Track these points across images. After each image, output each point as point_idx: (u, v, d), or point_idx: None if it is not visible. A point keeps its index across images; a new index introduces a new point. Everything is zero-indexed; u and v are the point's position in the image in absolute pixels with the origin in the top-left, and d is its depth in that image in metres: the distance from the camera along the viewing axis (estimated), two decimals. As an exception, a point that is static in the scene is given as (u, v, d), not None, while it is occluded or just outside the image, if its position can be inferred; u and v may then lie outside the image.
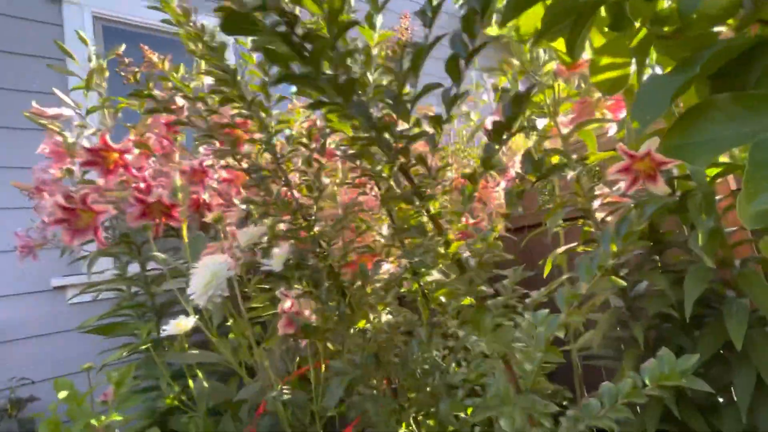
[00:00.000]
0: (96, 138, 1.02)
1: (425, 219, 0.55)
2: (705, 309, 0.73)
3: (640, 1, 0.41)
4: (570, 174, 0.84)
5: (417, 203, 0.53)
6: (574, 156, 0.94)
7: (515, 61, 0.90)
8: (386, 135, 0.49)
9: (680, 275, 0.78)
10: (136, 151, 0.94)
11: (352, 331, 0.73)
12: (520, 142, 1.00)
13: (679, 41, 0.41)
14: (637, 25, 0.45)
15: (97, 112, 1.16)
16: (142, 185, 0.91)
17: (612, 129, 0.88)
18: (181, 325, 0.60)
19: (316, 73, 0.40)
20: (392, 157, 0.50)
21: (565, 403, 0.75)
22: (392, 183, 0.57)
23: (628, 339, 0.82)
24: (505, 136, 0.52)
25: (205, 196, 0.90)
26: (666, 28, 0.42)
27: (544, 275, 0.92)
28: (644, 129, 0.37)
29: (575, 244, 0.89)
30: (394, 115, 0.49)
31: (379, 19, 0.73)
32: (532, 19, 0.58)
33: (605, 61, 0.49)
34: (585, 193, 0.91)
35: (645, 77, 0.41)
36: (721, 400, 0.70)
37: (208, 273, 0.54)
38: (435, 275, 0.58)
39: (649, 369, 0.43)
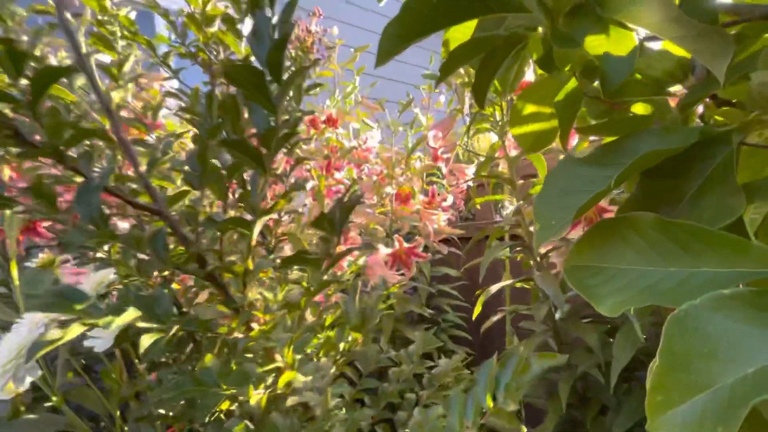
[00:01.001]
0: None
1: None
2: (636, 369, 0.67)
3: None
4: (508, 207, 0.74)
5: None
6: (520, 181, 0.84)
7: (462, 71, 0.78)
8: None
9: (614, 328, 0.71)
10: None
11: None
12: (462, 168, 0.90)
13: (610, 108, 0.30)
14: (567, 70, 0.34)
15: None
16: None
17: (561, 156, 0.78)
18: (10, 387, 0.48)
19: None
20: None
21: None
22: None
23: (557, 385, 0.76)
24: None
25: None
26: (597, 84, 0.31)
27: (473, 317, 0.84)
28: (548, 236, 0.26)
29: (512, 282, 0.81)
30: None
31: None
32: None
33: (529, 109, 0.38)
34: (527, 225, 0.82)
35: (560, 159, 0.30)
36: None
37: (14, 344, 0.42)
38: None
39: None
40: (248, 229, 0.32)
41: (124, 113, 0.49)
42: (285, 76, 0.37)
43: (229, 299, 0.34)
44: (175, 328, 0.30)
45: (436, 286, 1.13)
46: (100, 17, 0.45)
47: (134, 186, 0.32)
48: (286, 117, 0.32)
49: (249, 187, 0.33)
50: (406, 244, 0.82)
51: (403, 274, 0.85)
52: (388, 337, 0.88)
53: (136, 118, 0.47)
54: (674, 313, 0.19)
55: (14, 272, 0.54)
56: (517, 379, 0.27)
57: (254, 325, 0.34)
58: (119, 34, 0.45)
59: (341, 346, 0.39)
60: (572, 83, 0.34)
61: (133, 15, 0.49)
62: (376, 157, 1.01)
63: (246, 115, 0.31)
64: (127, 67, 0.46)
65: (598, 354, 0.63)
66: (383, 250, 0.79)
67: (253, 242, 0.33)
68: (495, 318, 0.84)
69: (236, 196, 0.35)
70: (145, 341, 0.30)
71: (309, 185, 0.88)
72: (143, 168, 0.31)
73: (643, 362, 0.67)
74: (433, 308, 1.11)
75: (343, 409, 0.40)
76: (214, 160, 0.32)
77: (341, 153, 0.90)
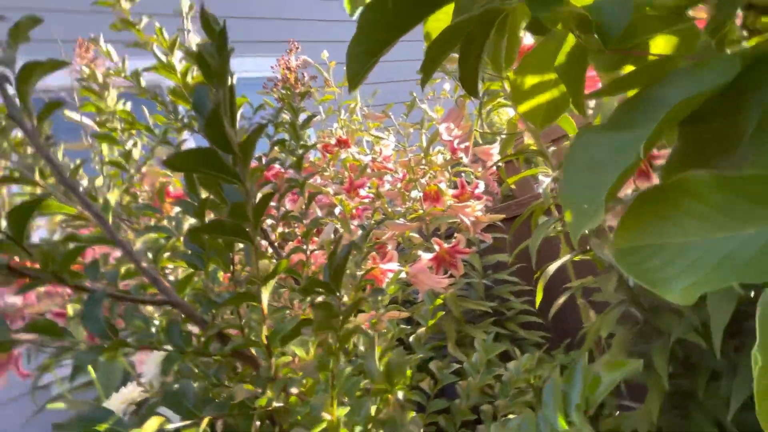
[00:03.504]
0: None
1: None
2: (743, 320, 0.58)
3: None
4: (544, 180, 0.69)
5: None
6: (551, 148, 0.78)
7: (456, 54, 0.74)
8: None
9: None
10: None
11: None
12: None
13: (625, 57, 0.25)
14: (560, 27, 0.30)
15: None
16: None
17: (592, 102, 0.71)
18: None
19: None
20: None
21: None
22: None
23: (645, 356, 0.68)
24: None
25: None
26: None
27: (537, 303, 0.79)
28: (584, 225, 0.23)
29: (570, 256, 0.74)
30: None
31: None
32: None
33: (530, 81, 0.34)
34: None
35: (578, 131, 0.26)
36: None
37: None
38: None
39: None
40: (254, 300, 0.31)
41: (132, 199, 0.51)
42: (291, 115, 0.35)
43: (259, 369, 0.33)
44: (207, 420, 0.29)
45: (491, 276, 1.07)
46: (98, 119, 0.47)
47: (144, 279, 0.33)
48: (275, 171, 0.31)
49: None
50: (446, 245, 0.78)
51: (452, 276, 0.81)
52: (453, 342, 0.85)
53: (147, 205, 0.49)
54: (769, 293, 0.15)
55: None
56: (588, 396, 0.23)
57: (293, 389, 0.33)
58: (120, 127, 0.47)
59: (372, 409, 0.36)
60: (571, 39, 0.30)
61: (129, 106, 0.51)
62: (395, 164, 0.99)
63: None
64: (135, 156, 0.48)
65: (690, 315, 0.56)
66: (425, 257, 0.76)
67: (264, 310, 0.31)
68: (561, 299, 0.78)
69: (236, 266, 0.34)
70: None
71: (337, 211, 0.87)
72: (146, 263, 0.31)
73: (746, 313, 0.58)
74: (493, 300, 1.06)
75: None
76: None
77: (359, 170, 0.89)
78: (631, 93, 0.25)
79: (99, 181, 0.49)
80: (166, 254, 0.36)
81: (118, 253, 0.44)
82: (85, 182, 0.52)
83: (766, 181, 0.17)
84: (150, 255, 0.32)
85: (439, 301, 0.53)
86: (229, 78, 0.24)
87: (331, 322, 0.31)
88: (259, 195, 0.27)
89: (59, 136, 0.45)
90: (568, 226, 0.23)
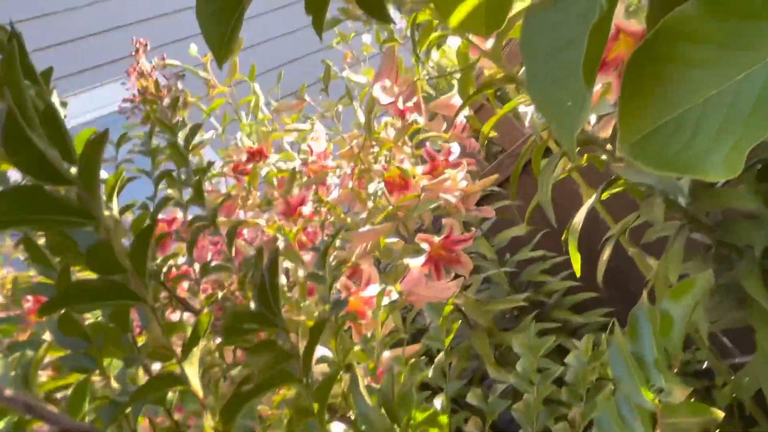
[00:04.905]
0: None
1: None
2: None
3: None
4: (526, 110, 0.70)
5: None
6: (522, 71, 0.80)
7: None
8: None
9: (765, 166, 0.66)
10: None
11: None
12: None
13: None
14: None
15: None
16: None
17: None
18: None
19: None
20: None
21: None
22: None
23: (735, 288, 0.70)
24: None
25: None
26: None
27: (577, 272, 0.79)
28: (574, 124, 0.23)
29: (596, 196, 0.76)
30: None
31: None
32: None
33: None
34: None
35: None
36: None
37: None
38: None
39: None
40: (178, 384, 0.28)
41: None
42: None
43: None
44: None
45: (510, 260, 1.08)
46: None
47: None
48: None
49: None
50: (437, 238, 0.78)
51: (458, 276, 0.81)
52: (492, 361, 0.84)
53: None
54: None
55: None
56: (666, 345, 0.23)
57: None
58: None
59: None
60: None
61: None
62: (336, 159, 0.98)
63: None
64: None
65: (765, 214, 0.58)
66: (415, 263, 0.76)
67: (198, 391, 0.29)
68: (606, 254, 0.79)
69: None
70: None
71: (281, 244, 0.86)
72: None
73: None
74: (525, 288, 1.06)
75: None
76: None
77: (290, 182, 0.88)
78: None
79: None
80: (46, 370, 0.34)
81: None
82: None
83: None
84: (19, 375, 0.29)
85: (448, 308, 0.52)
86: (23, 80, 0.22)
87: (283, 369, 0.29)
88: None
89: None
90: (554, 132, 0.23)
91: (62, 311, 0.27)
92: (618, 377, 0.24)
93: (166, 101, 0.54)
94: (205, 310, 0.34)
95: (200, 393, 0.29)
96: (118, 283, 0.26)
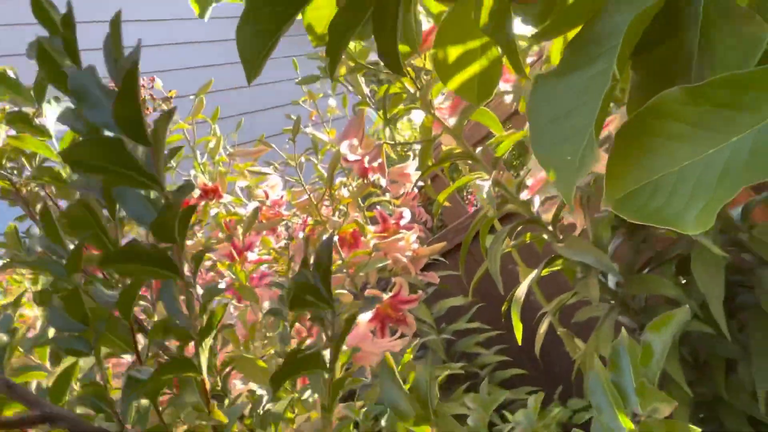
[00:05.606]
0: None
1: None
2: (735, 295, 0.70)
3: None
4: (482, 185, 0.76)
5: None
6: (478, 150, 0.87)
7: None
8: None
9: (682, 260, 0.75)
10: None
11: None
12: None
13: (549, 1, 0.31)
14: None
15: None
16: None
17: (509, 97, 0.83)
18: None
19: None
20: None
21: None
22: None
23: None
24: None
25: None
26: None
27: (519, 340, 0.83)
28: (574, 177, 0.26)
29: (536, 273, 0.81)
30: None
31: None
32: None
33: (454, 52, 0.39)
34: (514, 193, 0.84)
35: (533, 77, 0.30)
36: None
37: None
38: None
39: None
40: (187, 370, 0.27)
41: None
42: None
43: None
44: None
45: (447, 328, 1.11)
46: None
47: None
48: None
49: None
50: (385, 295, 0.79)
51: (402, 335, 0.82)
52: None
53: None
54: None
55: None
56: (646, 371, 0.25)
57: None
58: None
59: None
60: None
61: None
62: (292, 209, 0.99)
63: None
64: None
65: (685, 301, 0.65)
66: (363, 319, 0.76)
67: (207, 384, 0.28)
68: (542, 328, 0.84)
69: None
70: None
71: (222, 285, 0.83)
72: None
73: (738, 282, 0.70)
74: (458, 358, 1.08)
75: None
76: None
77: (243, 226, 0.87)
78: (571, 34, 0.30)
79: None
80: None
81: None
82: None
83: (728, 82, 0.23)
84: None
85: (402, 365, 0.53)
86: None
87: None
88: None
89: None
90: (556, 186, 0.26)
91: (70, 289, 0.25)
92: (597, 405, 0.27)
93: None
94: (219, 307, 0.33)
95: (207, 384, 0.29)
96: (165, 254, 0.26)
